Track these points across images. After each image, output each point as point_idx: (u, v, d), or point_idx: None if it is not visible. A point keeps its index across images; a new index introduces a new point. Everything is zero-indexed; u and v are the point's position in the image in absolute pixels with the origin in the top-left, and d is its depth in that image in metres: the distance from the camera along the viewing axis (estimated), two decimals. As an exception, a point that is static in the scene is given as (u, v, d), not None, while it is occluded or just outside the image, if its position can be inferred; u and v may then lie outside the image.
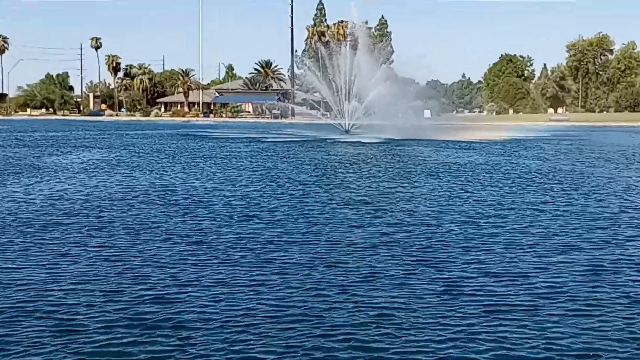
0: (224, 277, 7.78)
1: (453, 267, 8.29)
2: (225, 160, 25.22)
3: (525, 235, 10.38)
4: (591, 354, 5.42)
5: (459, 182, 17.79)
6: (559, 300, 6.99)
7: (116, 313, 6.41)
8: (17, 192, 15.35)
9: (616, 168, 22.77)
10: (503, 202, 13.88)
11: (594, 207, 13.42)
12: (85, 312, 6.46)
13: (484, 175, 19.69)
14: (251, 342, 5.65)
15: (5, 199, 14.02)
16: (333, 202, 13.95)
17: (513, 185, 17.33)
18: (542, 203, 13.87)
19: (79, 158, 26.12)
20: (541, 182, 18.02)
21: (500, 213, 12.50)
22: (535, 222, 11.59)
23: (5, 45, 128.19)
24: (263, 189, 16.07)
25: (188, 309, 6.55)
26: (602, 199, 14.57)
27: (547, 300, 6.97)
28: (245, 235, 10.19)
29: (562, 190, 16.28)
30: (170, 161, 24.83)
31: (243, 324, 6.13)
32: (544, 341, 5.66)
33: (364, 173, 20.38)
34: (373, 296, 7.10)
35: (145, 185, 16.89)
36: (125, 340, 5.54)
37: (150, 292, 7.12)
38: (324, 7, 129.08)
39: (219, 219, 11.66)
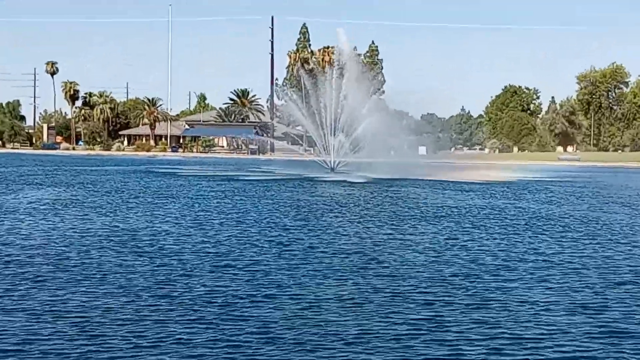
0: (189, 337, 7.63)
1: (456, 328, 8.20)
2: (196, 202, 25.06)
3: (536, 292, 10.28)
4: None
5: (461, 229, 17.73)
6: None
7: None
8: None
9: (636, 214, 22.76)
10: (511, 253, 13.80)
11: (614, 259, 13.36)
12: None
13: (487, 221, 19.68)
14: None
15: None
16: (318, 250, 13.80)
17: (521, 233, 17.24)
18: (555, 254, 13.82)
19: (28, 197, 25.88)
20: (553, 230, 17.96)
21: (507, 265, 12.44)
22: (548, 276, 11.50)
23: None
24: (238, 235, 15.91)
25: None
26: (623, 250, 14.49)
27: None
28: (216, 289, 10.06)
29: (577, 239, 16.22)
30: (134, 202, 24.63)
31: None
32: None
33: (353, 218, 20.26)
34: (365, 361, 6.97)
35: (103, 229, 16.73)
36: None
37: (103, 356, 6.95)
38: (307, 32, 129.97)
39: (187, 270, 11.54)
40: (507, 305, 9.33)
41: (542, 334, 8.00)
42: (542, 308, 9.18)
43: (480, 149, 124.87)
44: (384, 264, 12.25)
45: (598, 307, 9.30)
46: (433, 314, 8.81)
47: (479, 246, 14.60)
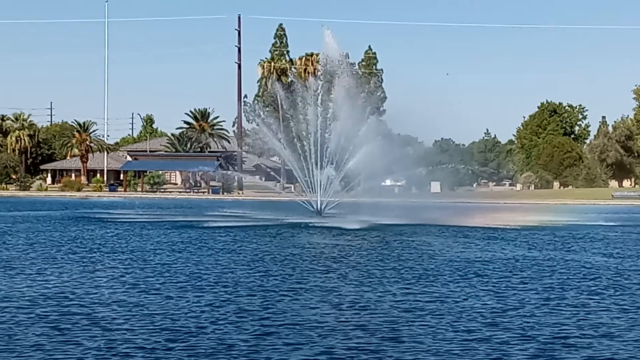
0: None
1: None
2: (139, 256, 25.04)
3: None
4: None
5: (490, 291, 17.57)
6: None
7: None
8: None
9: None
10: (565, 326, 13.55)
11: None
12: None
13: (527, 280, 19.54)
14: None
15: None
16: (304, 322, 13.55)
17: (574, 294, 17.17)
18: (622, 322, 13.78)
19: None
20: (617, 292, 17.84)
21: (565, 341, 12.26)
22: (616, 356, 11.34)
23: None
24: (192, 300, 15.84)
25: None
26: None
27: None
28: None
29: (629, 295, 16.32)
30: (58, 257, 24.54)
31: None
32: None
33: (348, 277, 20.10)
34: None
35: (15, 292, 16.60)
36: None
37: None
38: (285, 35, 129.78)
39: (126, 347, 11.33)
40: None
41: None
42: None
43: (510, 185, 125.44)
44: (394, 340, 12.00)
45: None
46: None
47: (517, 315, 14.39)
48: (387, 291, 17.52)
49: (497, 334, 12.59)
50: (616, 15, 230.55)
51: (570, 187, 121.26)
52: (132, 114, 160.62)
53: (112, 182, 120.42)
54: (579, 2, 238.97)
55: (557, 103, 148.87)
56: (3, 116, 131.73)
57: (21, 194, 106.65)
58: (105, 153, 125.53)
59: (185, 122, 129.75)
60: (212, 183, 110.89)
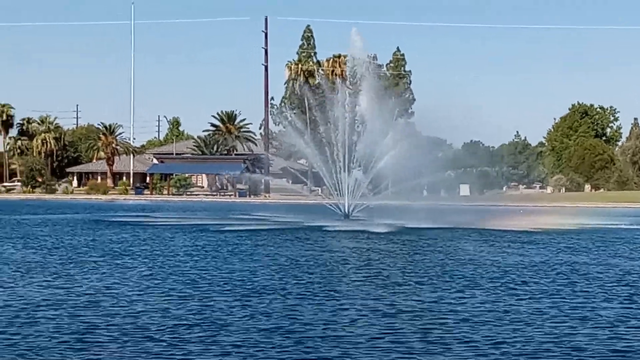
0: None
1: None
2: (166, 261, 25.08)
3: None
4: None
5: (526, 296, 17.46)
6: None
7: None
8: None
9: None
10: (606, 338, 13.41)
11: None
12: None
13: (562, 286, 19.28)
14: None
15: None
16: (336, 331, 13.52)
17: (612, 299, 16.99)
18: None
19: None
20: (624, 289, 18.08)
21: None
22: None
23: None
24: (217, 307, 15.81)
25: None
26: None
27: None
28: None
29: None
30: (85, 260, 24.71)
31: None
32: None
33: (383, 283, 20.01)
34: None
35: (39, 296, 16.71)
36: None
37: None
38: (312, 37, 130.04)
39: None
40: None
41: None
42: None
43: (541, 188, 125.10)
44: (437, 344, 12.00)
45: None
46: None
47: (556, 322, 14.28)
48: (422, 295, 17.45)
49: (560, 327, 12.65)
50: None
51: (601, 190, 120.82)
52: (159, 116, 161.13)
53: (138, 185, 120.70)
54: (611, 2, 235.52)
55: (589, 105, 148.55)
56: (29, 119, 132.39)
57: (47, 197, 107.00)
58: (132, 156, 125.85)
59: (212, 125, 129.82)
60: (238, 186, 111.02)
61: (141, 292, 17.60)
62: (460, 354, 11.54)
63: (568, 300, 16.62)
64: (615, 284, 19.43)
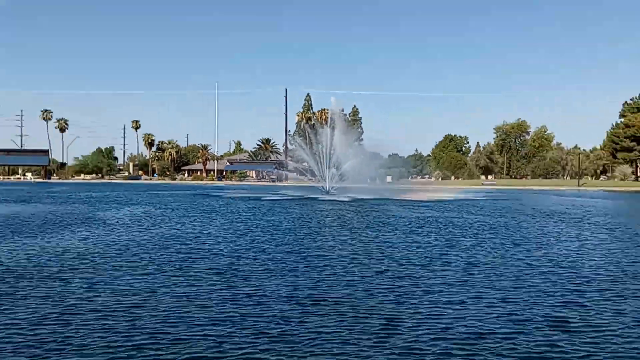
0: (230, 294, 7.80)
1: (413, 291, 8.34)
2: (234, 214, 25.24)
3: (471, 273, 10.40)
4: None
5: (419, 233, 17.67)
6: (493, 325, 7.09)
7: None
8: (84, 239, 15.43)
9: (537, 221, 22.78)
10: (463, 252, 13.86)
11: (525, 254, 13.47)
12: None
13: (440, 228, 19.52)
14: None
15: (77, 244, 14.09)
16: (314, 246, 13.96)
17: (464, 235, 17.22)
18: (478, 249, 13.88)
19: (123, 212, 26.17)
20: (479, 233, 17.92)
21: (458, 256, 12.54)
22: (476, 263, 11.64)
23: (66, 125, 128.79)
24: (259, 236, 16.04)
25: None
26: (528, 248, 14.63)
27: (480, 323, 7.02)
28: (249, 268, 10.24)
29: (496, 237, 16.25)
30: (193, 214, 24.84)
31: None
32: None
33: (341, 224, 20.33)
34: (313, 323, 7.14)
35: (171, 235, 16.89)
36: None
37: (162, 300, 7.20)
38: (310, 99, 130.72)
39: (230, 261, 11.68)
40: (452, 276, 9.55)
41: (470, 299, 8.21)
42: (466, 284, 9.36)
43: (428, 178, 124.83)
44: (351, 253, 12.37)
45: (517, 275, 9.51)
46: (382, 283, 8.99)
47: (436, 244, 14.69)
48: (355, 230, 17.65)
49: (432, 245, 13.03)
50: (482, 84, 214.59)
51: (459, 178, 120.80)
52: (230, 140, 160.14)
53: (218, 176, 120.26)
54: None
55: (453, 134, 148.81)
56: (162, 141, 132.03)
57: (171, 182, 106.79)
58: (216, 161, 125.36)
59: (257, 145, 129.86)
60: (271, 176, 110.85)
61: (221, 231, 17.82)
62: (381, 259, 12.01)
63: (444, 236, 16.74)
64: (467, 228, 19.47)
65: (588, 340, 6.14)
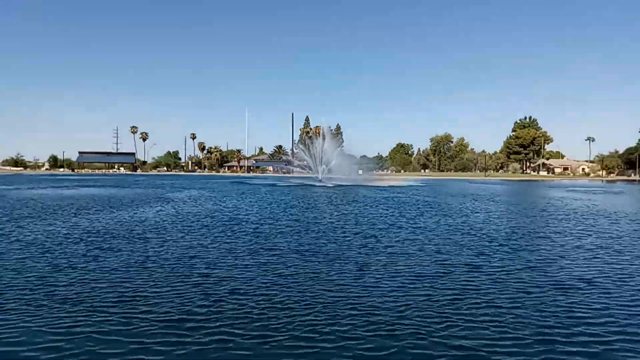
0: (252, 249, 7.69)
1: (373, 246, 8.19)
2: (258, 194, 24.98)
3: (415, 235, 10.28)
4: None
5: (379, 205, 17.55)
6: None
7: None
8: (159, 210, 15.25)
9: (458, 201, 22.78)
10: (406, 215, 13.75)
11: (451, 221, 13.39)
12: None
13: (392, 202, 19.40)
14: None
15: (154, 214, 13.90)
16: (309, 212, 13.82)
17: (410, 209, 17.08)
18: (420, 218, 13.73)
19: (184, 194, 25.92)
20: (418, 206, 17.81)
21: (406, 223, 12.38)
22: (419, 227, 11.48)
23: (146, 136, 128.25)
24: (275, 209, 15.86)
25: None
26: (453, 217, 14.58)
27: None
28: (274, 232, 10.12)
29: (432, 209, 16.09)
30: (231, 195, 24.54)
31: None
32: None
33: (328, 201, 20.16)
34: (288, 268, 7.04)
35: (216, 208, 16.69)
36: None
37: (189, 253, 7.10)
38: (309, 120, 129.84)
39: (261, 221, 11.53)
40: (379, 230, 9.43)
41: (404, 253, 8.09)
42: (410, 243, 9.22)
43: (386, 171, 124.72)
44: (338, 220, 12.22)
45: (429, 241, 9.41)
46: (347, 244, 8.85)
47: (392, 215, 14.56)
48: (339, 205, 17.50)
49: (387, 218, 12.91)
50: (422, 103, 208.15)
51: (407, 172, 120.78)
52: (255, 147, 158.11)
53: (248, 170, 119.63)
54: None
55: (403, 142, 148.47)
56: (210, 147, 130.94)
57: (216, 174, 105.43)
58: (246, 160, 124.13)
59: (274, 149, 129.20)
60: (283, 170, 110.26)
61: (249, 206, 17.65)
62: (355, 224, 11.92)
63: (397, 209, 16.62)
64: (412, 204, 19.34)
65: (493, 277, 6.17)
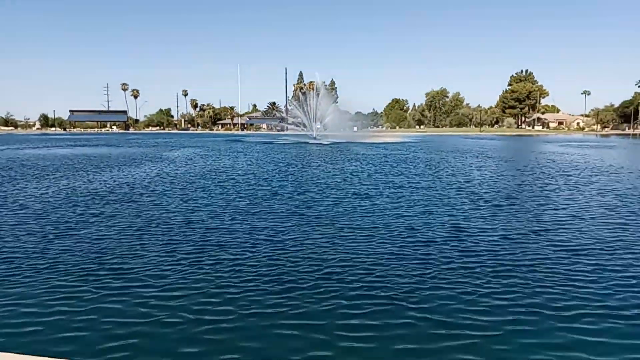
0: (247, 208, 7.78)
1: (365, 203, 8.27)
2: (252, 153, 24.88)
3: (405, 188, 10.41)
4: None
5: (374, 163, 17.56)
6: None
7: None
8: (151, 169, 15.26)
9: (454, 156, 22.89)
10: (401, 173, 13.82)
11: (444, 177, 13.47)
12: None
13: (387, 160, 19.41)
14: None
15: (146, 174, 13.91)
16: (305, 171, 13.86)
17: (404, 164, 17.10)
18: (416, 176, 13.74)
19: (178, 153, 25.80)
20: (417, 164, 17.80)
21: (403, 178, 12.45)
22: (416, 185, 11.58)
23: (138, 93, 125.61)
24: (271, 167, 15.86)
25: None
26: (448, 173, 14.66)
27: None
28: (267, 188, 10.17)
29: (427, 166, 16.20)
30: (224, 153, 24.46)
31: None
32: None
33: (323, 158, 20.14)
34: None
35: (207, 166, 16.70)
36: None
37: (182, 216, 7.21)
38: (302, 74, 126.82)
39: (255, 175, 11.60)
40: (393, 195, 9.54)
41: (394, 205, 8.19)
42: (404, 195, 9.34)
43: (381, 128, 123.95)
44: (330, 178, 12.24)
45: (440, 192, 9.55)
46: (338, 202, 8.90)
47: (386, 171, 14.61)
48: (333, 162, 17.50)
49: (388, 170, 13.02)
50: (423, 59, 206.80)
51: (402, 128, 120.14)
52: (248, 103, 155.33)
53: (241, 128, 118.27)
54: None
55: (398, 98, 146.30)
56: (203, 104, 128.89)
57: (209, 132, 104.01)
58: (239, 118, 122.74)
59: (267, 106, 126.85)
60: (277, 128, 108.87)
61: (247, 165, 17.61)
62: (352, 180, 11.97)
63: (393, 166, 16.68)
64: (408, 162, 19.23)
65: (480, 225, 6.35)
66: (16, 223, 6.84)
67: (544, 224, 6.72)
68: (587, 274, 4.57)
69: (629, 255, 5.15)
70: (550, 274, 4.55)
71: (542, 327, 3.41)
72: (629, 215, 7.38)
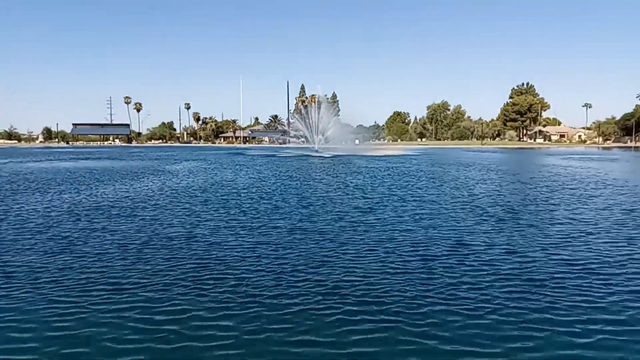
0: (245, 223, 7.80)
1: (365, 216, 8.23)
2: (255, 166, 24.97)
3: (409, 203, 10.27)
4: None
5: (377, 176, 17.61)
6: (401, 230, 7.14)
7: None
8: (153, 183, 15.27)
9: (456, 169, 22.94)
10: (404, 186, 13.87)
11: (447, 191, 13.44)
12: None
13: (390, 173, 19.48)
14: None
15: (147, 187, 13.94)
16: (308, 184, 13.89)
17: (407, 177, 17.13)
18: (419, 189, 13.80)
19: (180, 166, 25.86)
20: (419, 177, 17.85)
21: (404, 191, 12.46)
22: (418, 197, 11.55)
23: (140, 107, 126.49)
24: (273, 180, 15.87)
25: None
26: (445, 186, 14.65)
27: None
28: (271, 199, 10.18)
29: (430, 179, 16.19)
30: (226, 166, 24.55)
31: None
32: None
33: (325, 171, 20.19)
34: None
35: (209, 179, 16.72)
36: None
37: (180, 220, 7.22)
38: (304, 88, 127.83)
39: (255, 188, 11.60)
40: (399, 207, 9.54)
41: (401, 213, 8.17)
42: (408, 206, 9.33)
43: (383, 141, 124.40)
44: (335, 189, 12.26)
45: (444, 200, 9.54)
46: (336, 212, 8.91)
47: (387, 183, 14.65)
48: (334, 175, 17.56)
49: (392, 183, 13.02)
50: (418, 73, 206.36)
51: (403, 141, 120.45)
52: (250, 116, 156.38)
53: (243, 141, 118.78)
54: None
55: (400, 111, 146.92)
56: (205, 117, 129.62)
57: (212, 145, 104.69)
58: (242, 131, 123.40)
59: (269, 119, 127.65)
60: (279, 141, 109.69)
61: (249, 178, 17.65)
62: (354, 194, 12.01)
63: (395, 179, 16.79)
64: (410, 174, 19.37)
65: (485, 239, 6.29)
66: (18, 237, 6.82)
67: (549, 239, 6.64)
68: (595, 290, 4.50)
69: (639, 270, 5.09)
70: (557, 289, 4.50)
71: (549, 344, 3.36)
72: (637, 229, 7.31)
